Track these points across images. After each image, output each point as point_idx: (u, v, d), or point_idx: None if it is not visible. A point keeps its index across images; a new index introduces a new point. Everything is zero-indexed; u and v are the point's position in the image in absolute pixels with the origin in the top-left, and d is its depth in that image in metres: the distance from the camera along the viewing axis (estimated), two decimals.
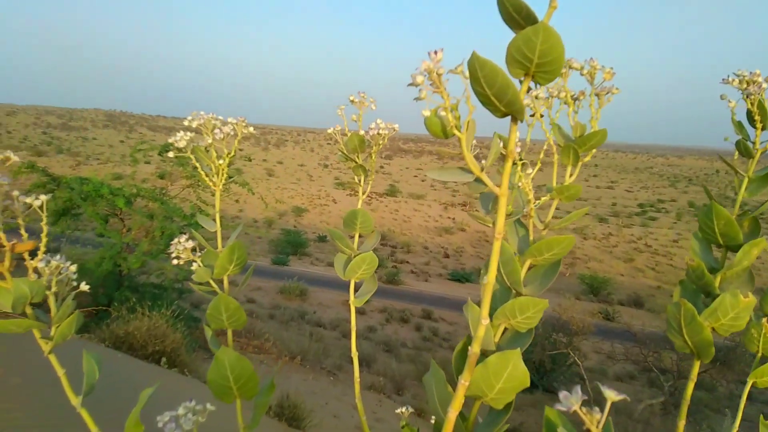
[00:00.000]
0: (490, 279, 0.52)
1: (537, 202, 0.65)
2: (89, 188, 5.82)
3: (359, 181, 0.93)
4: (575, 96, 0.65)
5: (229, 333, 0.99)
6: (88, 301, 6.34)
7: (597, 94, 0.64)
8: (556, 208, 0.72)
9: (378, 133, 0.88)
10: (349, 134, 0.88)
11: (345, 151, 0.90)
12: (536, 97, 0.61)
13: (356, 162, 0.91)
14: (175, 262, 0.99)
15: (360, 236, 0.96)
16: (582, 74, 0.63)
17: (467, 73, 0.46)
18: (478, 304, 0.63)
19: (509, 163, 0.47)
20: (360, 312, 15.28)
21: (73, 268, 0.75)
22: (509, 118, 0.49)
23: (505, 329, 0.68)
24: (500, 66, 0.44)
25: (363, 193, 0.94)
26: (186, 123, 1.01)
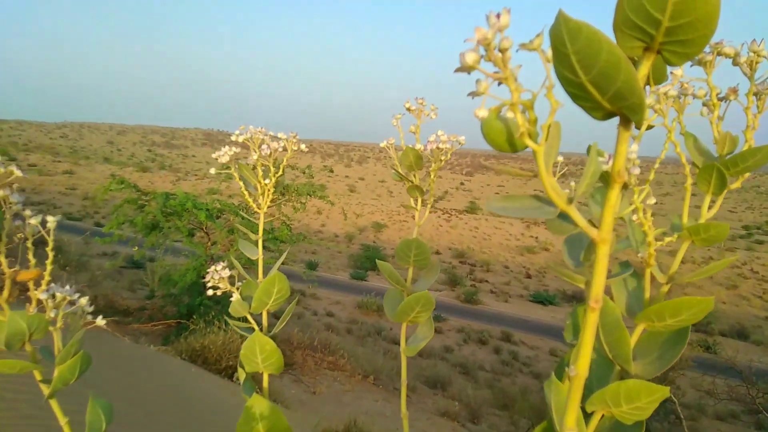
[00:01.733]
0: (580, 371, 0.34)
1: (658, 244, 0.45)
2: (174, 203, 6.10)
3: (415, 204, 0.77)
4: (723, 95, 0.45)
5: (265, 377, 0.86)
6: (173, 311, 6.63)
7: (757, 93, 0.45)
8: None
9: (438, 148, 0.72)
10: (404, 148, 0.74)
11: (399, 169, 0.75)
12: (665, 94, 0.42)
13: (412, 182, 0.76)
14: (210, 293, 0.89)
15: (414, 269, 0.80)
16: (736, 63, 0.44)
17: (548, 50, 0.30)
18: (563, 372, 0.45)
19: (616, 190, 0.30)
20: (437, 331, 14.97)
21: (84, 300, 0.66)
22: (613, 120, 0.33)
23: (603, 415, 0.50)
24: (605, 34, 0.27)
25: (420, 218, 0.79)
26: (233, 138, 0.91)
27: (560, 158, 0.75)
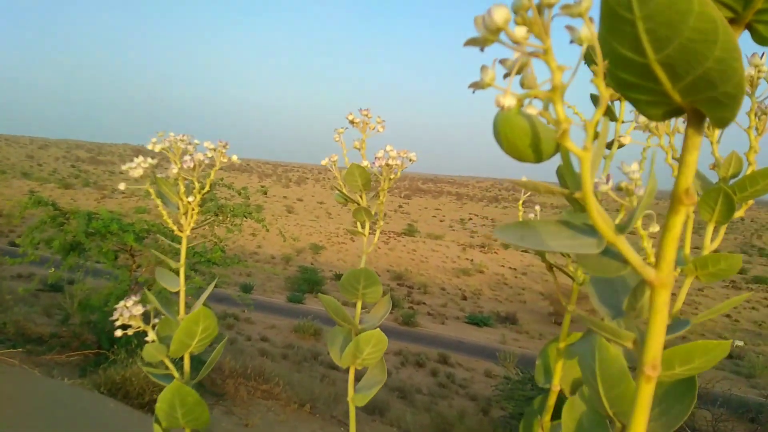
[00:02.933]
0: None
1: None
2: (98, 225, 5.65)
3: (362, 228, 0.67)
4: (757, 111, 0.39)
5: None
6: (92, 339, 6.11)
7: (758, 113, 0.38)
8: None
9: (387, 165, 0.63)
10: (348, 166, 0.64)
11: (343, 190, 0.65)
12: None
13: (358, 203, 0.66)
14: (119, 333, 0.74)
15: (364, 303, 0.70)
16: None
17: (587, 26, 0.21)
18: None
19: (681, 216, 0.21)
20: None
21: None
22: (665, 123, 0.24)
23: None
24: None
25: (368, 244, 0.69)
26: (149, 146, 0.77)
27: (524, 177, 0.68)
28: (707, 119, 0.21)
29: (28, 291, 6.46)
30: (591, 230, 0.25)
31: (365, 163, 0.61)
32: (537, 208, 0.61)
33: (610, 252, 0.25)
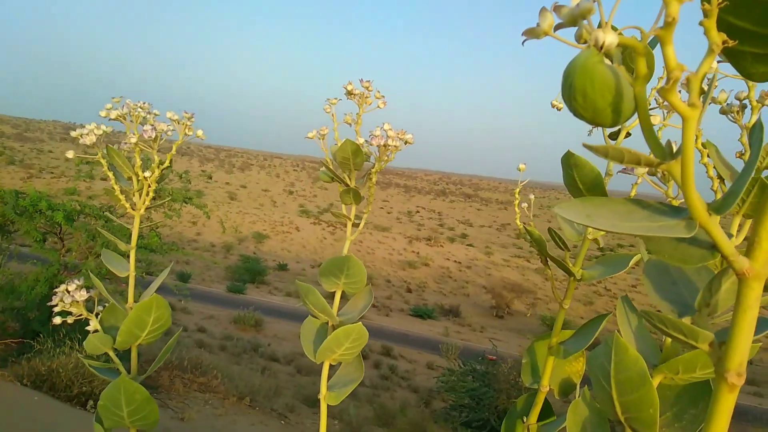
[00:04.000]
0: None
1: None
2: (25, 203, 5.26)
3: (348, 213, 0.62)
4: (758, 97, 0.36)
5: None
6: (15, 327, 5.69)
7: None
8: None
9: (385, 145, 0.58)
10: (339, 141, 0.58)
11: (331, 167, 0.59)
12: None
13: (347, 184, 0.61)
14: (57, 320, 0.66)
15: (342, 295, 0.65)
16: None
17: None
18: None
19: None
20: None
21: None
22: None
23: None
24: None
25: (351, 233, 0.64)
26: (103, 113, 0.68)
27: (522, 165, 0.64)
28: None
29: None
30: (672, 210, 0.21)
31: (361, 140, 0.56)
32: (531, 197, 0.58)
33: (693, 238, 0.21)
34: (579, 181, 0.45)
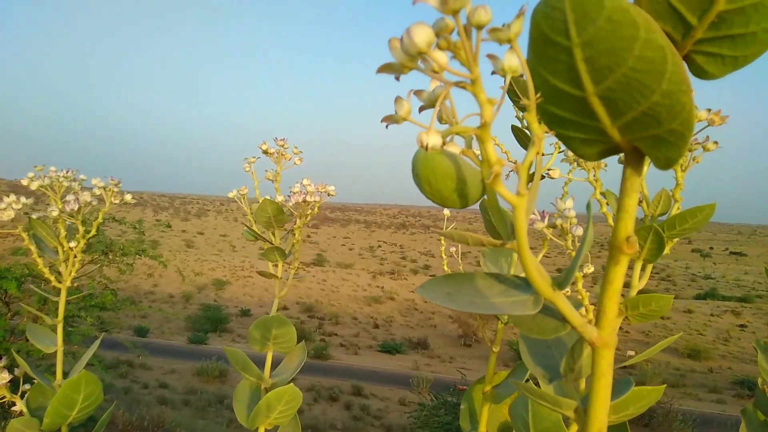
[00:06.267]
0: None
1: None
2: None
3: (274, 269, 0.62)
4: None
5: None
6: None
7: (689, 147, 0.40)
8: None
9: (305, 200, 0.59)
10: (260, 201, 0.59)
11: (253, 227, 0.60)
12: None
13: (270, 242, 0.61)
14: None
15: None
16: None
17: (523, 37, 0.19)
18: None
19: (622, 267, 0.19)
20: None
21: None
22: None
23: None
24: (642, 11, 0.17)
25: (281, 288, 0.63)
26: (25, 182, 0.67)
27: (447, 211, 0.66)
28: (647, 159, 0.19)
29: None
30: (525, 285, 0.22)
31: (280, 198, 0.57)
32: (453, 249, 0.59)
33: (546, 309, 0.22)
34: (497, 226, 0.47)
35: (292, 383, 0.54)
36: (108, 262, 5.72)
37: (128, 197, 0.70)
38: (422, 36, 0.17)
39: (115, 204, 0.69)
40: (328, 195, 0.61)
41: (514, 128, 0.63)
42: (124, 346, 6.85)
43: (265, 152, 0.58)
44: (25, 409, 0.63)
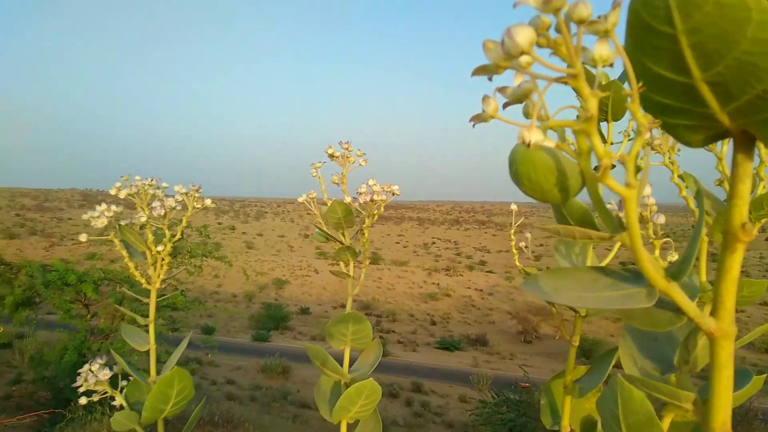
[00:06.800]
0: None
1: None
2: (52, 277, 5.36)
3: (346, 268, 0.64)
4: None
5: None
6: (47, 397, 5.72)
7: None
8: None
9: (372, 200, 0.60)
10: (329, 203, 0.61)
11: (324, 227, 0.62)
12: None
13: (341, 242, 0.63)
14: (83, 401, 0.67)
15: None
16: None
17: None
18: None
19: (739, 254, 0.19)
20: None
21: None
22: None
23: None
24: None
25: (353, 286, 0.65)
26: (113, 191, 0.72)
27: (514, 206, 0.66)
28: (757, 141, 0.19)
29: None
30: (634, 277, 0.22)
31: (348, 199, 0.58)
32: (528, 235, 0.59)
33: (660, 301, 0.22)
34: (569, 217, 0.47)
35: (371, 378, 0.56)
36: (177, 264, 6.01)
37: (208, 202, 0.74)
38: (525, 36, 0.18)
39: (197, 209, 0.72)
40: (392, 194, 0.62)
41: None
42: (193, 343, 7.17)
43: (331, 156, 0.60)
44: (124, 403, 0.67)
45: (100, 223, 0.69)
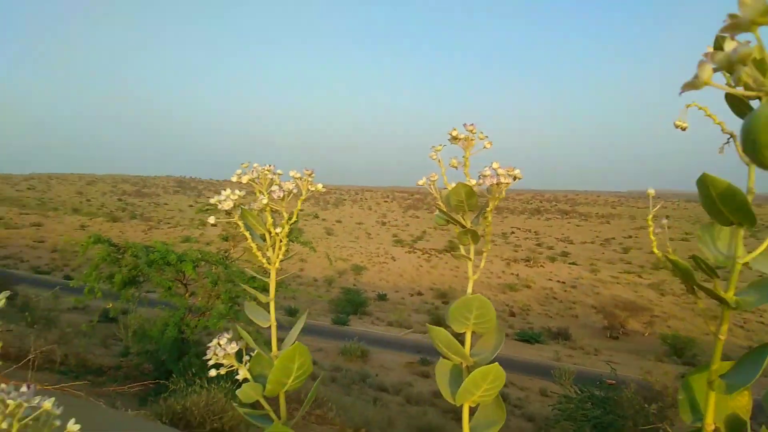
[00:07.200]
0: None
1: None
2: (155, 256, 5.82)
3: (467, 252, 0.63)
4: None
5: None
6: (149, 369, 6.24)
7: None
8: None
9: (496, 184, 0.59)
10: (450, 186, 0.60)
11: (445, 210, 0.61)
12: None
13: (463, 225, 0.62)
14: (212, 373, 0.72)
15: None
16: None
17: None
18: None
19: None
20: (425, 376, 14.58)
21: (49, 404, 0.48)
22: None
23: None
24: None
25: (473, 272, 0.64)
26: (234, 178, 0.76)
27: (651, 190, 0.62)
28: None
29: (91, 326, 6.70)
30: None
31: (472, 182, 0.57)
32: (664, 221, 0.55)
33: None
34: (720, 204, 0.43)
35: (496, 362, 0.55)
36: (265, 249, 6.29)
37: (319, 186, 0.76)
38: None
39: (311, 191, 0.74)
40: (515, 178, 0.60)
41: (728, 96, 0.57)
42: (280, 324, 7.52)
43: (455, 138, 0.59)
44: (249, 376, 0.71)
45: (227, 205, 0.73)
